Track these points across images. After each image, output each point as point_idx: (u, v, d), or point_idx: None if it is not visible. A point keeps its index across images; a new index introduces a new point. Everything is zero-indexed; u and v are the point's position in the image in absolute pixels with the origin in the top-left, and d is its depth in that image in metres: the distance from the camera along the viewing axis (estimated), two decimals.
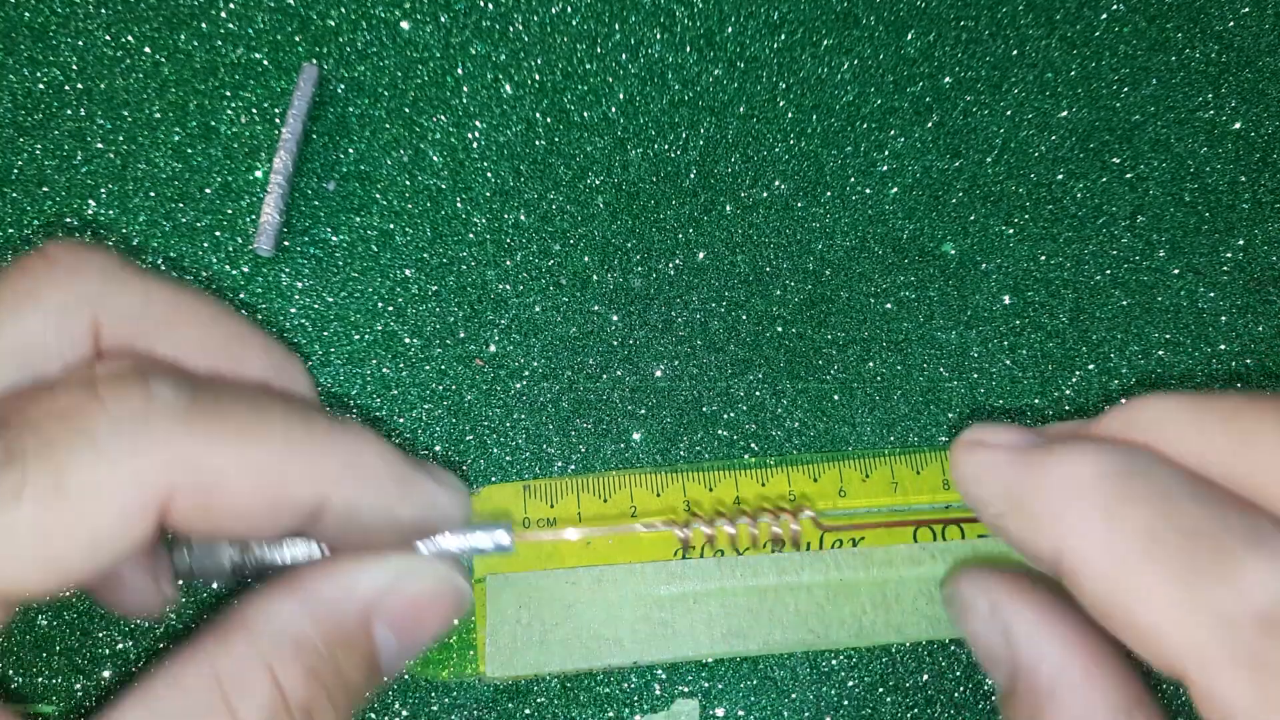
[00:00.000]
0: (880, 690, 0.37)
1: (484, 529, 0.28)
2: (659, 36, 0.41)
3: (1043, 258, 0.41)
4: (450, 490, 0.27)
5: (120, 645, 0.36)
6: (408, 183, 0.40)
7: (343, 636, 0.26)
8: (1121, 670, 0.25)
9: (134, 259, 0.28)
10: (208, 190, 0.40)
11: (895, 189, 0.41)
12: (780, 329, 0.40)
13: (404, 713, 0.37)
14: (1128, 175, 0.42)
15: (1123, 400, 0.40)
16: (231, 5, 0.41)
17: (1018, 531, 0.24)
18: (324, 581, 0.26)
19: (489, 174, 0.40)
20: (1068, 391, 0.39)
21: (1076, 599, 0.22)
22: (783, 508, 0.36)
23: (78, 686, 0.36)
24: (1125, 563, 0.21)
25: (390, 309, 0.39)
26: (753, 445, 0.39)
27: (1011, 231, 0.41)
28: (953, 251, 0.41)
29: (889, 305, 0.40)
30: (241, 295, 0.39)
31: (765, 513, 0.35)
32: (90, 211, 0.39)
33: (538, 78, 0.41)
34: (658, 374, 0.39)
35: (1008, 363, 0.40)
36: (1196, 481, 0.22)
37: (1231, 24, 0.43)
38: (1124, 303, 0.40)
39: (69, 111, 0.40)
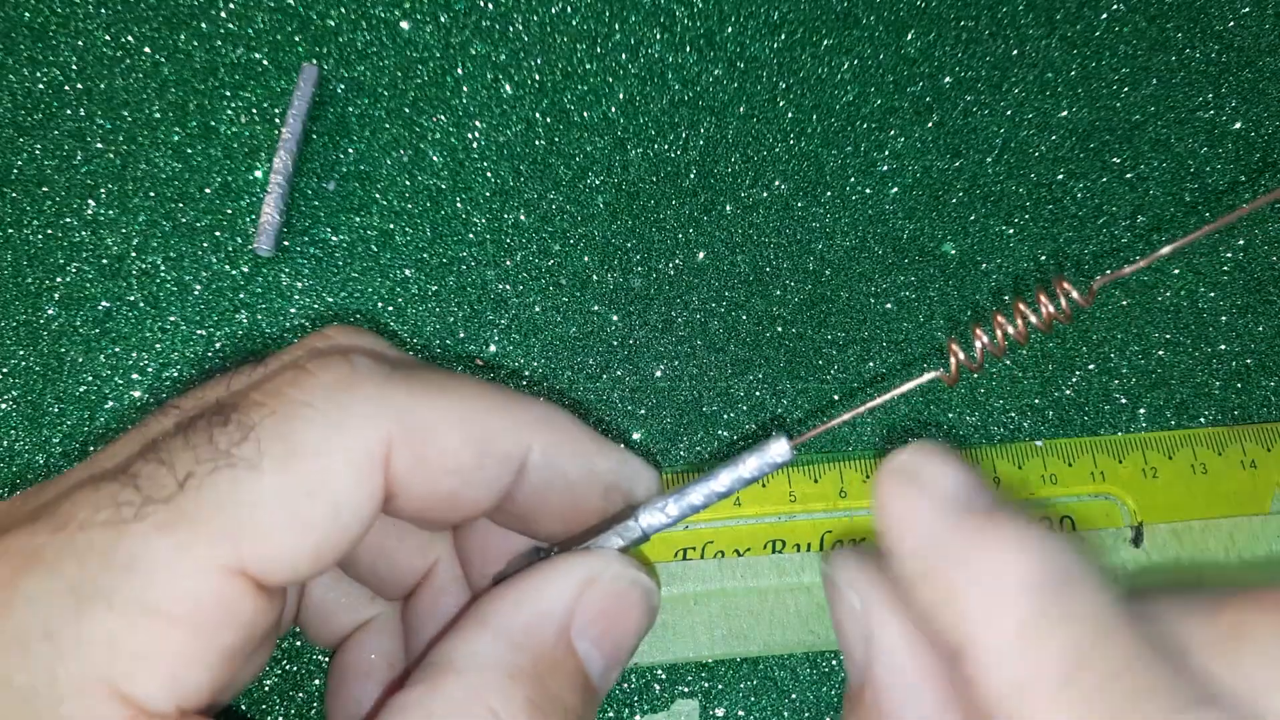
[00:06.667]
0: None
1: (761, 447, 0.26)
2: (659, 36, 0.41)
3: (1043, 258, 0.41)
4: (637, 455, 0.28)
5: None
6: (408, 183, 0.40)
7: (547, 660, 0.25)
8: None
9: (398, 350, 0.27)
10: (208, 190, 0.40)
11: (895, 189, 0.41)
12: (780, 329, 0.40)
13: None
14: (1128, 175, 0.42)
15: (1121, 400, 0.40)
16: (231, 5, 0.41)
17: (925, 600, 0.21)
18: (511, 608, 0.25)
19: (489, 174, 0.40)
20: (1068, 392, 0.39)
21: (966, 682, 0.20)
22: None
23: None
24: (1031, 688, 0.19)
25: (390, 309, 0.39)
26: None
27: (1011, 231, 0.41)
28: (953, 251, 0.41)
29: (889, 305, 0.40)
30: (241, 295, 0.39)
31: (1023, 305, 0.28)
32: (90, 211, 0.39)
33: (538, 78, 0.41)
34: (658, 374, 0.39)
35: (1008, 362, 0.40)
36: (1131, 614, 0.19)
37: (1231, 24, 0.43)
38: (1124, 303, 0.40)
39: (69, 111, 0.40)
